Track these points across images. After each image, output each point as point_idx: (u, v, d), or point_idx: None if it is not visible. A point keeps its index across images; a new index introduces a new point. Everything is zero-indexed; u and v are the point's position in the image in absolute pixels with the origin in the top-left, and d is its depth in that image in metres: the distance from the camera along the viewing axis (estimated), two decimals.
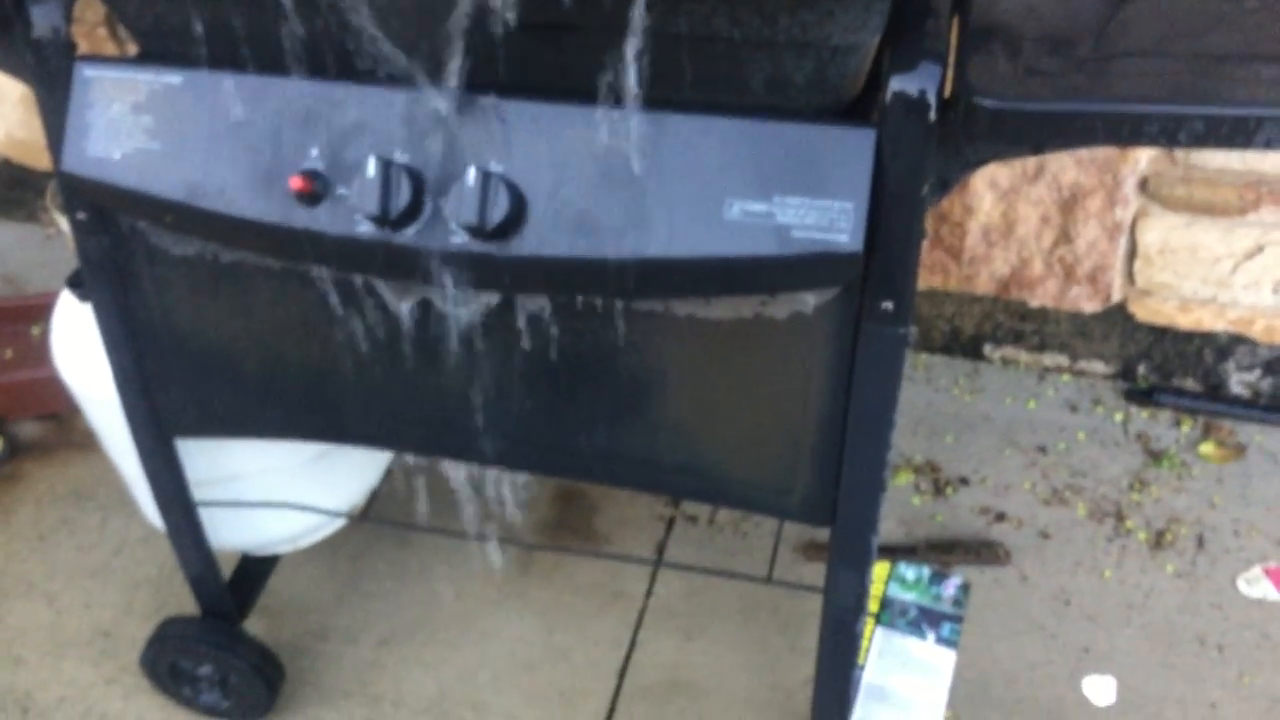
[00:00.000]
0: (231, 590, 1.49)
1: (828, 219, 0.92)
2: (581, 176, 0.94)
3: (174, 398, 1.25)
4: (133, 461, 1.33)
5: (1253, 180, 1.67)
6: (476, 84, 0.93)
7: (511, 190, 0.94)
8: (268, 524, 1.45)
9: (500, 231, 0.94)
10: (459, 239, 0.95)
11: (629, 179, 0.94)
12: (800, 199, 0.92)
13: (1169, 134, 0.84)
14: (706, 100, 0.93)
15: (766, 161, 0.92)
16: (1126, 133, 0.85)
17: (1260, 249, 1.72)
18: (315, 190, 0.96)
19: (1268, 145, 0.84)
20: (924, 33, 0.92)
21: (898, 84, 0.90)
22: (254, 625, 1.59)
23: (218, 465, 1.35)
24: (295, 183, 0.96)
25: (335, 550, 1.72)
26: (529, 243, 0.95)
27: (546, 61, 0.92)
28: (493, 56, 0.91)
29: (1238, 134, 0.83)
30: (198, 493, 1.35)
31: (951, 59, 0.93)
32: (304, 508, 1.41)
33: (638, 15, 0.87)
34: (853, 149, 0.92)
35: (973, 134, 0.90)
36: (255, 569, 1.57)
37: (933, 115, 0.90)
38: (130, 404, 1.26)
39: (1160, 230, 1.75)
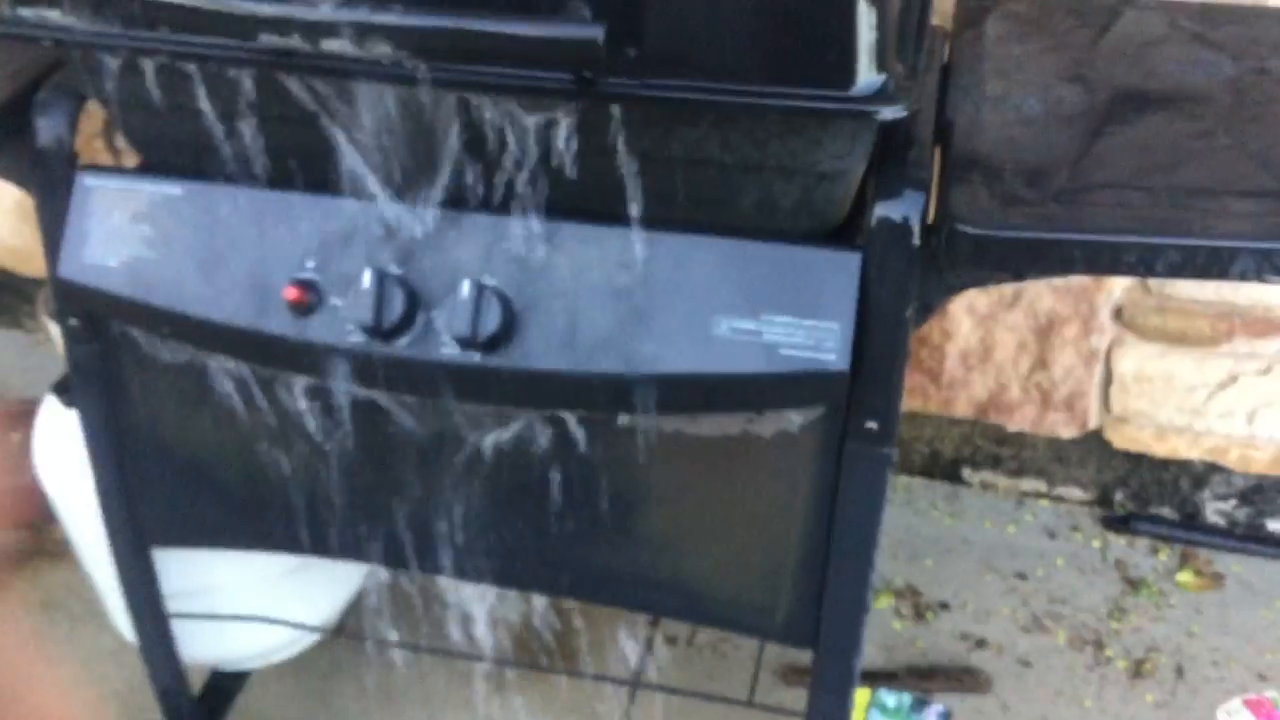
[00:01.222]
0: (201, 706, 1.46)
1: (815, 339, 0.93)
2: (573, 292, 0.96)
3: (154, 507, 1.24)
4: (107, 571, 1.31)
5: (1225, 311, 1.70)
6: (470, 200, 0.95)
7: (504, 303, 0.95)
8: (241, 638, 1.42)
9: (491, 344, 0.95)
10: (450, 350, 0.96)
11: (620, 295, 0.96)
12: (788, 318, 0.94)
13: (1146, 264, 0.87)
14: (698, 220, 0.95)
15: (755, 281, 0.95)
16: (1105, 262, 0.88)
17: (1234, 379, 1.75)
18: (309, 301, 0.98)
19: (1242, 277, 0.86)
20: (908, 161, 0.96)
21: (883, 210, 0.93)
22: None
23: (194, 576, 1.33)
24: (290, 293, 0.98)
25: (307, 666, 1.69)
26: (519, 356, 0.96)
27: (539, 183, 0.94)
28: (487, 175, 0.94)
29: (1212, 265, 0.86)
30: (172, 604, 1.33)
31: (934, 187, 0.96)
32: (279, 622, 1.39)
33: (633, 140, 0.90)
34: (839, 271, 0.94)
35: (955, 260, 0.92)
36: (226, 684, 1.53)
37: (916, 240, 0.92)
38: (110, 512, 1.25)
39: (1135, 359, 1.78)
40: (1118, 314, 1.75)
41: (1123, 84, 1.12)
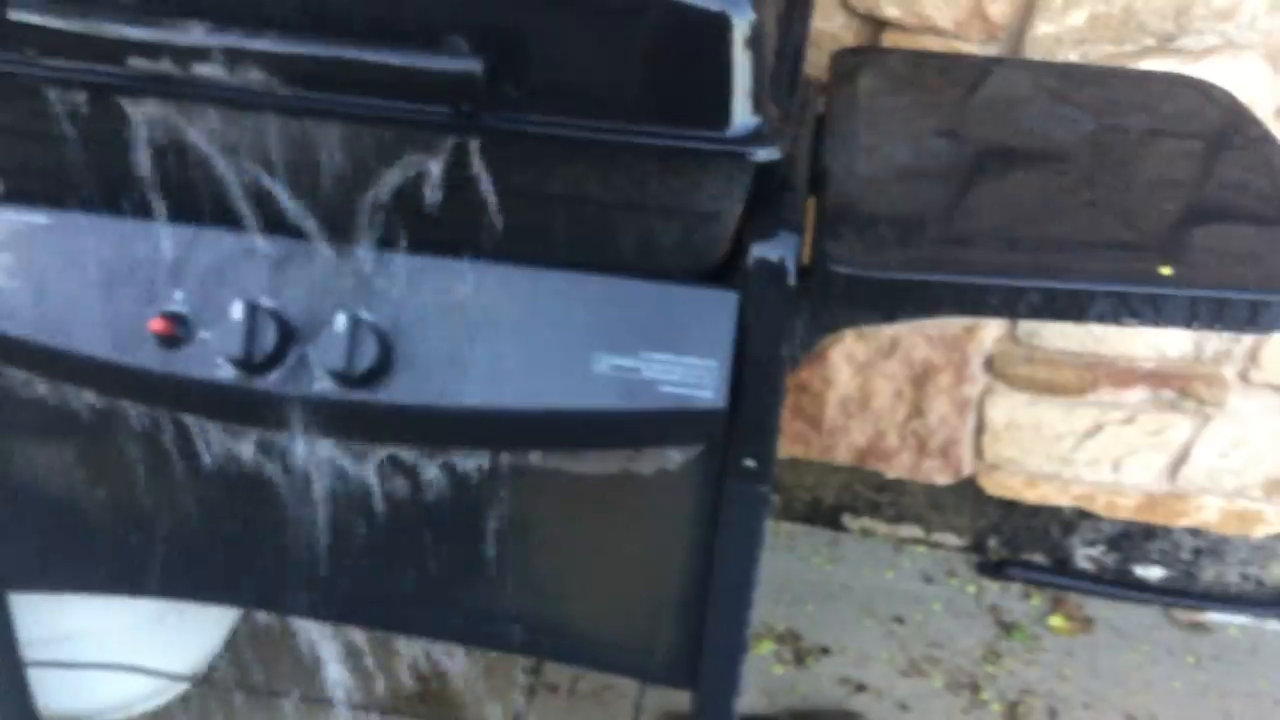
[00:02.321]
0: None
1: (693, 376, 0.94)
2: (451, 327, 0.95)
3: (10, 549, 1.19)
4: None
5: (1091, 362, 1.77)
6: (347, 233, 0.94)
7: (380, 338, 0.94)
8: (102, 688, 1.37)
9: (367, 379, 0.94)
10: (323, 385, 0.95)
11: (499, 331, 0.95)
12: (667, 356, 0.94)
13: (1009, 305, 0.90)
14: (577, 258, 0.95)
15: (635, 319, 0.95)
16: (970, 303, 0.91)
17: (1099, 427, 1.82)
18: (177, 333, 0.95)
19: (1100, 319, 0.90)
20: (784, 205, 0.98)
21: (759, 250, 0.94)
22: None
23: (52, 623, 1.28)
24: (156, 325, 0.95)
25: (171, 717, 1.62)
26: (395, 392, 0.95)
27: (418, 216, 0.93)
28: (364, 208, 0.93)
29: (1072, 307, 0.89)
30: (29, 652, 1.27)
31: (810, 232, 0.99)
32: (142, 670, 1.34)
33: (511, 176, 0.90)
34: (717, 310, 0.95)
35: (829, 299, 0.94)
36: None
37: (792, 280, 0.94)
38: None
39: (1005, 407, 1.83)
40: (989, 364, 1.81)
41: (991, 139, 1.16)
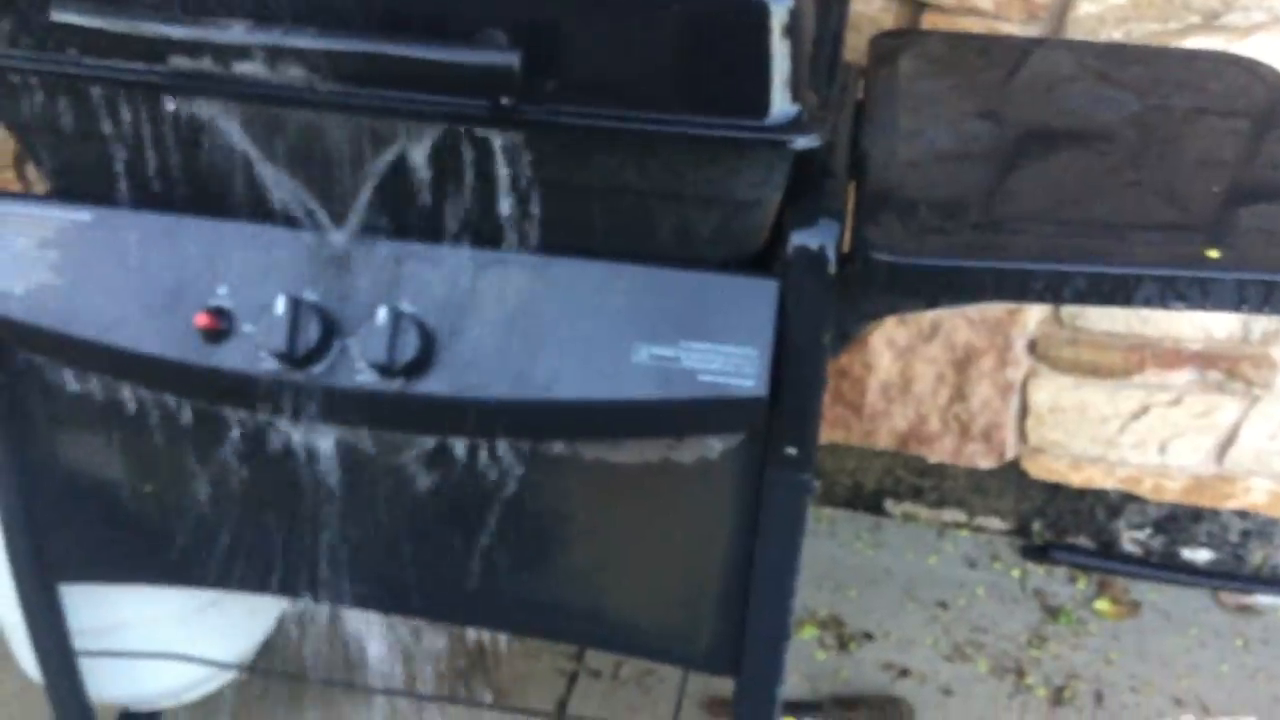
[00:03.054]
0: None
1: (733, 365, 0.94)
2: (492, 319, 0.96)
3: (61, 541, 1.21)
4: (12, 608, 1.27)
5: (1137, 343, 1.75)
6: (388, 226, 0.95)
7: (421, 330, 0.94)
8: (152, 676, 1.38)
9: (408, 371, 0.94)
10: (365, 378, 0.95)
11: (539, 323, 0.95)
12: (706, 345, 0.94)
13: (1054, 291, 0.89)
14: (617, 248, 0.95)
15: (674, 309, 0.95)
16: (1014, 289, 0.90)
17: (1145, 410, 1.80)
18: (221, 327, 0.96)
19: (1146, 303, 0.89)
20: (823, 192, 0.97)
21: (799, 238, 0.94)
22: None
23: (102, 613, 1.30)
24: (201, 320, 0.96)
25: (221, 705, 1.65)
26: (436, 383, 0.95)
27: (460, 209, 0.94)
28: (405, 201, 0.93)
29: (1118, 292, 0.88)
30: (79, 642, 1.29)
31: (850, 218, 0.98)
32: (192, 659, 1.35)
33: (551, 168, 0.90)
34: (757, 298, 0.95)
35: (870, 287, 0.93)
36: None
37: (832, 268, 0.93)
38: (15, 547, 1.21)
39: (1050, 390, 1.82)
40: (1032, 347, 1.79)
41: (1033, 121, 1.15)
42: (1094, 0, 1.48)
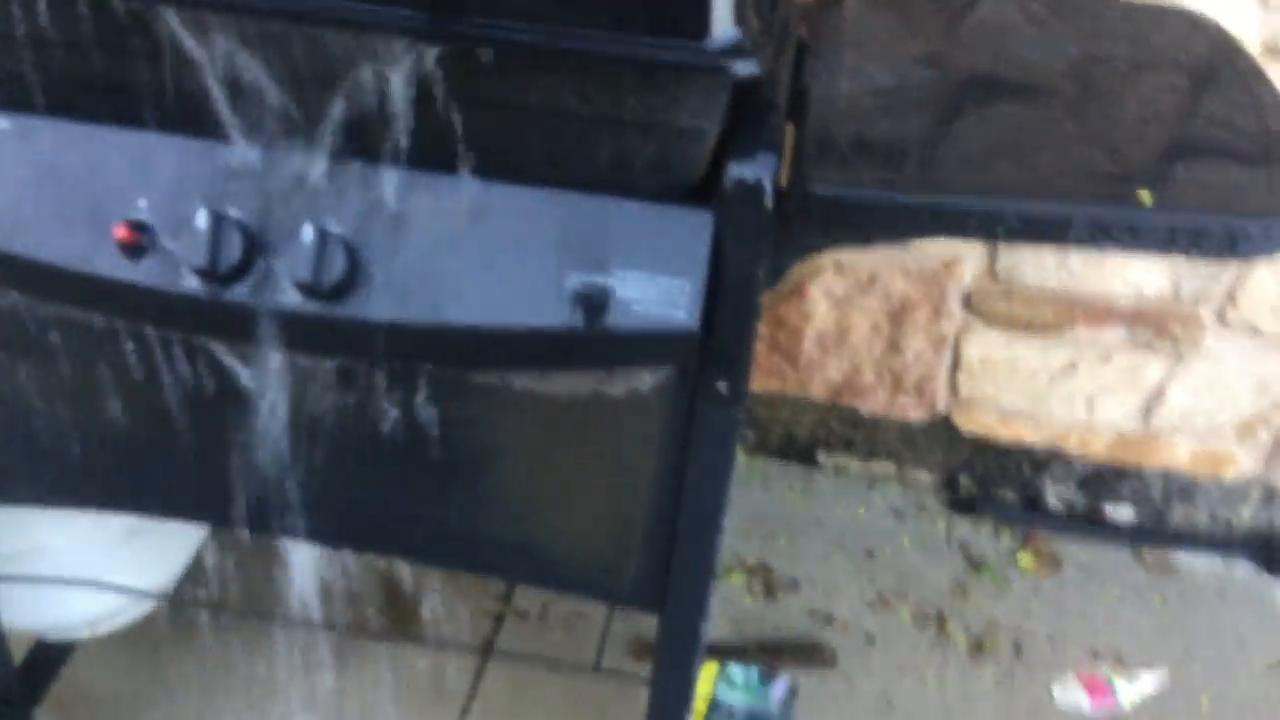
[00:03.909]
0: (22, 677, 1.39)
1: (667, 296, 0.93)
2: (421, 243, 0.94)
3: None
4: None
5: (1068, 300, 1.76)
6: (316, 144, 0.92)
7: (349, 251, 0.92)
8: (68, 605, 1.36)
9: (334, 292, 0.92)
10: (290, 298, 0.93)
11: (470, 248, 0.94)
12: (639, 275, 0.93)
13: (987, 227, 0.89)
14: (552, 175, 0.94)
15: (607, 238, 0.94)
16: (948, 225, 0.90)
17: (1074, 365, 1.82)
18: (141, 242, 0.93)
19: (1078, 243, 0.89)
20: (763, 125, 0.96)
21: (736, 170, 0.92)
22: (45, 717, 1.48)
23: (17, 538, 1.27)
24: (120, 233, 0.93)
25: (138, 637, 1.62)
26: (363, 306, 0.93)
27: (391, 127, 0.91)
28: (333, 118, 0.91)
29: (1051, 231, 0.88)
30: None
31: (789, 153, 0.97)
32: (108, 587, 1.33)
33: (486, 87, 0.88)
34: (692, 230, 0.93)
35: (806, 221, 0.93)
36: (50, 654, 1.46)
37: (769, 201, 0.93)
38: None
39: (982, 345, 1.83)
40: (967, 301, 1.80)
41: (975, 67, 1.14)
42: None
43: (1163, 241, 0.87)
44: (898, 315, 1.82)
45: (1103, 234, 0.86)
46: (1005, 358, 1.83)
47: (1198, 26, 1.22)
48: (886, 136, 1.01)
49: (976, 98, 1.09)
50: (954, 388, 1.89)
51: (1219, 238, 0.87)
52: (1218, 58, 1.19)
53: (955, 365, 1.86)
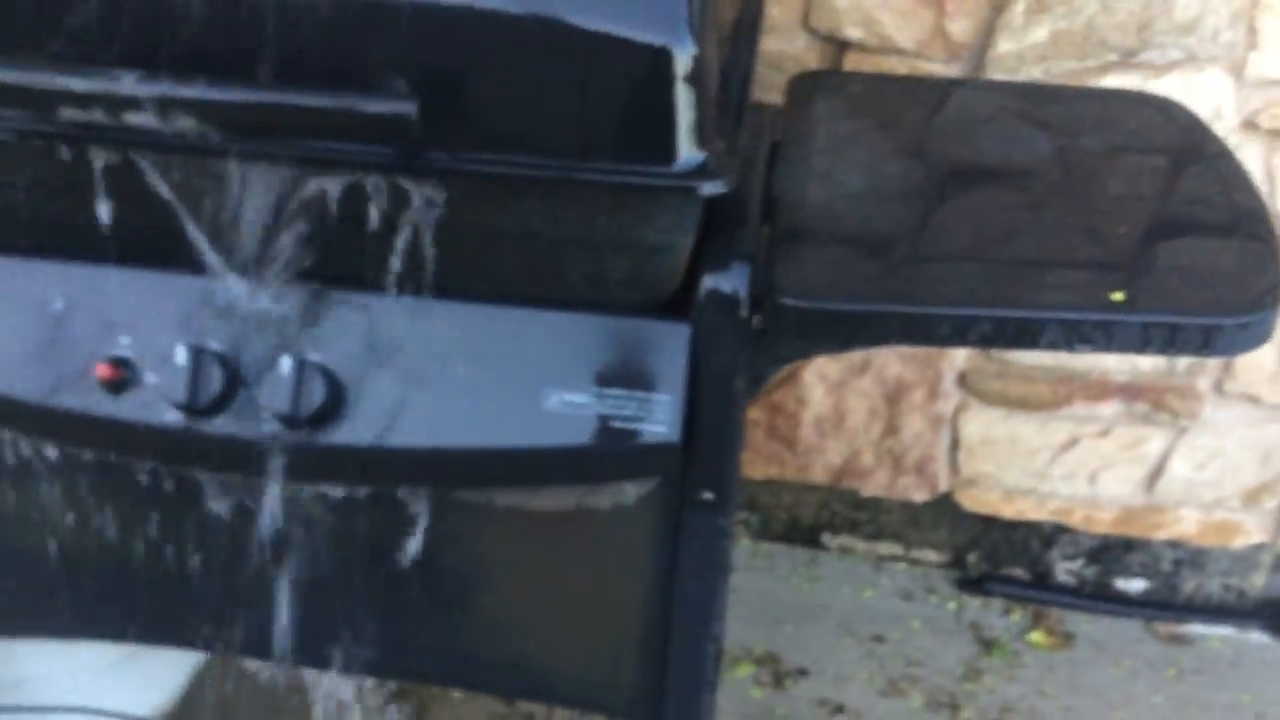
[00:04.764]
0: None
1: (646, 410, 0.93)
2: (400, 367, 0.94)
3: None
4: None
5: (1064, 376, 1.76)
6: (293, 274, 0.93)
7: (328, 379, 0.93)
8: None
9: (314, 421, 0.93)
10: (271, 428, 0.93)
11: (448, 369, 0.94)
12: (618, 391, 0.93)
13: (960, 334, 0.89)
14: (526, 294, 0.94)
15: (585, 354, 0.94)
16: (921, 332, 0.90)
17: (1075, 441, 1.81)
18: (123, 378, 0.94)
19: (1052, 346, 0.89)
20: (735, 235, 0.97)
21: (711, 282, 0.93)
22: None
23: (10, 667, 1.26)
24: (102, 370, 0.94)
25: None
26: (344, 433, 0.94)
27: (364, 256, 0.92)
28: (311, 246, 0.92)
29: (1023, 336, 0.88)
30: None
31: (764, 263, 0.98)
32: (103, 713, 1.32)
33: (457, 214, 0.89)
34: (669, 343, 0.94)
35: (781, 331, 0.93)
36: None
37: (744, 312, 0.93)
38: None
39: (980, 423, 1.83)
40: (961, 380, 1.80)
41: (951, 160, 1.15)
42: (1013, 38, 1.50)
43: (1138, 342, 0.87)
44: (894, 397, 1.82)
45: (1077, 337, 0.86)
46: (1005, 435, 1.82)
47: (1168, 113, 1.23)
48: (860, 238, 1.01)
49: (953, 190, 1.09)
50: (955, 466, 1.88)
51: (1193, 335, 0.87)
52: (1190, 142, 1.20)
53: (955, 444, 1.86)
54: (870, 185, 1.08)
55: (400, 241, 0.90)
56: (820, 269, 0.95)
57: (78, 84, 0.77)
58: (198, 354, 0.92)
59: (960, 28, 1.50)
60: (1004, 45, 1.50)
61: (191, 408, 0.92)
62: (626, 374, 0.94)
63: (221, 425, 0.94)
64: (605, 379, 0.94)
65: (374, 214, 0.89)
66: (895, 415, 1.83)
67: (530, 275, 0.94)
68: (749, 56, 1.10)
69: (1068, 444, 1.81)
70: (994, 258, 0.99)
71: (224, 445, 0.95)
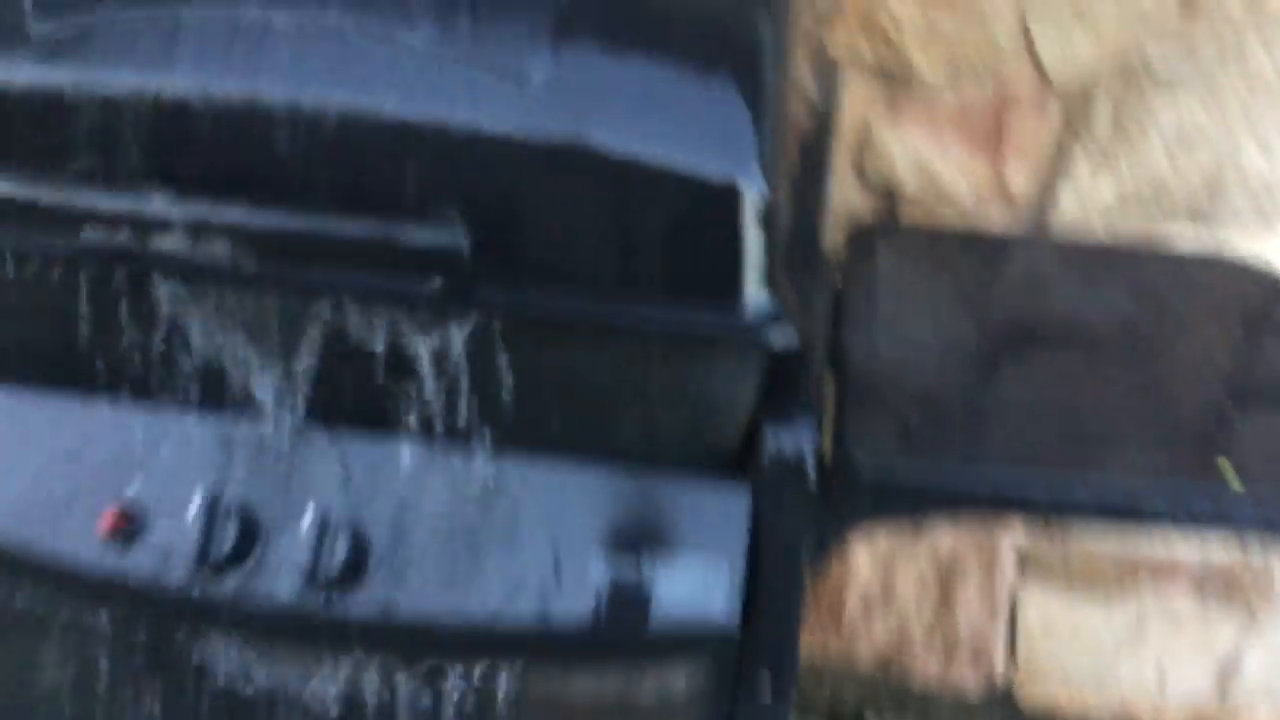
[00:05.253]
0: None
1: (701, 585, 0.84)
2: (433, 526, 0.86)
3: None
4: None
5: (1130, 561, 1.65)
6: (322, 417, 0.86)
7: (353, 536, 0.84)
8: None
9: (336, 584, 0.84)
10: (287, 590, 0.84)
11: (487, 531, 0.86)
12: (671, 560, 0.84)
13: (1059, 511, 0.80)
14: (575, 447, 0.87)
15: (637, 516, 0.86)
16: (1013, 510, 0.81)
17: (1142, 633, 1.69)
18: (129, 528, 0.86)
19: (1156, 526, 0.80)
20: (799, 390, 0.89)
21: (774, 442, 0.86)
22: None
23: None
24: (108, 520, 0.86)
25: None
26: (366, 601, 0.85)
27: (401, 400, 0.85)
28: (342, 391, 0.85)
29: (1127, 516, 0.80)
30: None
31: (831, 419, 0.90)
32: None
33: (506, 356, 0.82)
34: (728, 506, 0.86)
35: (853, 498, 0.85)
36: None
37: (811, 474, 0.85)
38: None
39: (1041, 609, 1.71)
40: (1022, 561, 1.69)
41: (1019, 322, 1.10)
42: (1077, 195, 1.44)
43: (1256, 526, 0.78)
44: (947, 573, 1.71)
45: (1187, 517, 0.77)
46: (1067, 623, 1.71)
47: (1247, 274, 1.17)
48: (932, 401, 0.94)
49: (1024, 356, 1.04)
50: (1013, 654, 1.75)
51: None
52: (1270, 304, 1.14)
53: (1012, 628, 1.74)
54: (939, 343, 1.02)
55: (441, 385, 0.83)
56: (896, 433, 0.87)
57: (100, 201, 0.71)
58: (212, 504, 0.84)
59: (1021, 181, 1.45)
60: (1067, 201, 1.44)
61: (203, 563, 0.84)
62: (680, 541, 0.86)
63: (233, 584, 0.85)
64: (657, 547, 0.85)
65: (415, 354, 0.82)
66: (949, 594, 1.71)
67: (579, 427, 0.87)
68: (819, 201, 1.05)
69: (1134, 635, 1.69)
70: (1062, 427, 0.92)
71: (235, 607, 0.86)
